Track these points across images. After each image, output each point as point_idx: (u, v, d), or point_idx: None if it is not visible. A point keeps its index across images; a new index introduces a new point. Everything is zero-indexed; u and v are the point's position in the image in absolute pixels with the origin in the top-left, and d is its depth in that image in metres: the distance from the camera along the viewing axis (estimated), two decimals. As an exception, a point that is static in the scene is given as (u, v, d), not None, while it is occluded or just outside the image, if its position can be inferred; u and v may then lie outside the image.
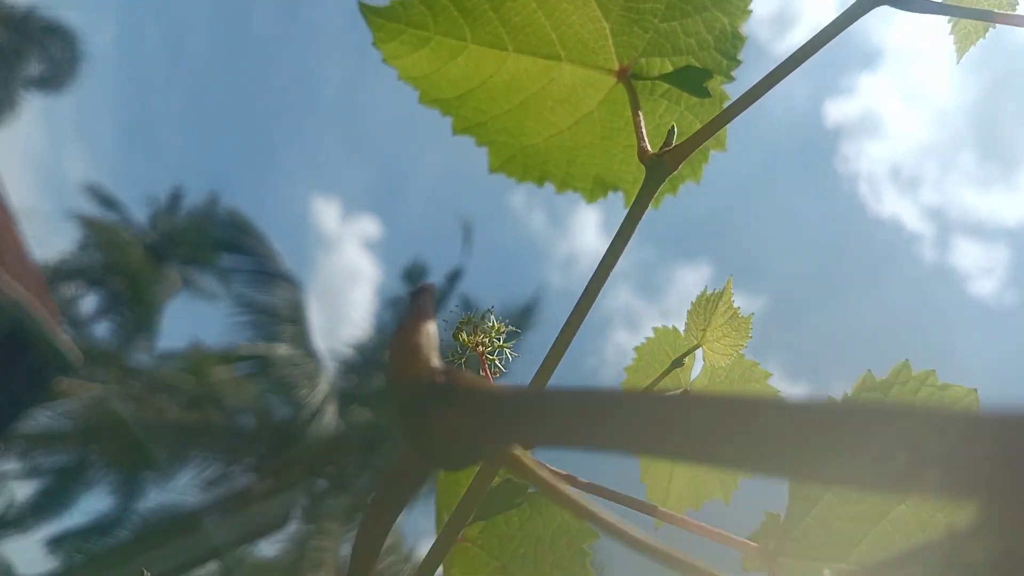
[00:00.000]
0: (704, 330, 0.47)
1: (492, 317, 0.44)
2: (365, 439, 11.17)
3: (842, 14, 0.41)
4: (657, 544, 0.26)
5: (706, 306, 0.47)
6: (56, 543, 10.21)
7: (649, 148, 0.44)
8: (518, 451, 0.25)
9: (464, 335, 0.44)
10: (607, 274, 0.40)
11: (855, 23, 0.41)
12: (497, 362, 0.44)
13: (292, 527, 10.07)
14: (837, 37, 0.44)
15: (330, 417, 11.13)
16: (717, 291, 0.47)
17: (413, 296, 0.25)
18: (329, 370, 11.99)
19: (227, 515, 10.29)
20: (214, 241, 13.83)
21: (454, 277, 13.32)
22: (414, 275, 13.40)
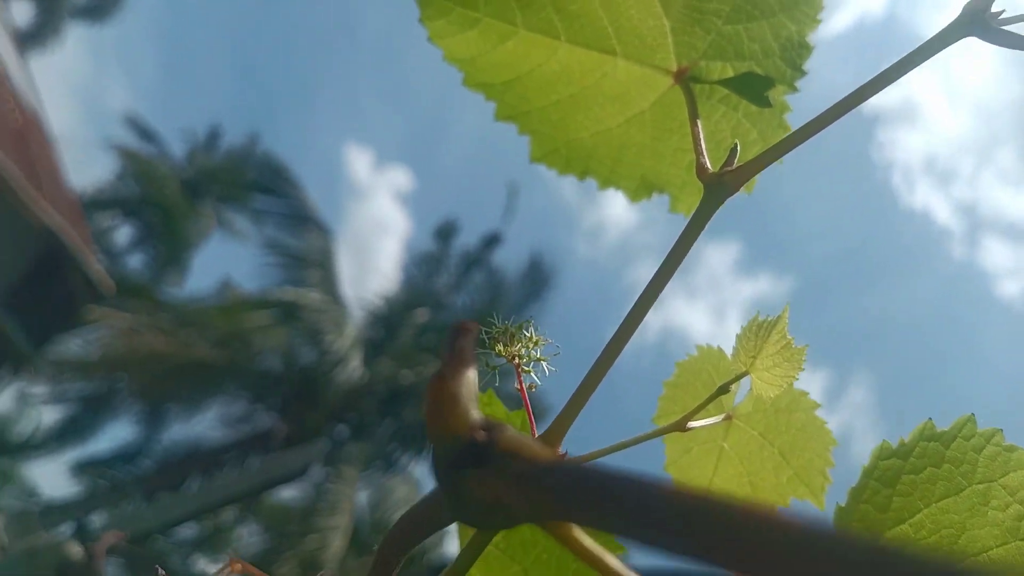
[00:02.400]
0: (754, 358, 0.45)
1: (532, 328, 0.43)
2: (389, 389, 11.27)
3: (928, 41, 0.38)
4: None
5: (758, 333, 0.45)
6: (80, 468, 10.46)
7: (709, 165, 0.42)
8: (569, 528, 0.23)
9: (500, 346, 0.42)
10: (654, 298, 0.38)
11: (941, 48, 0.38)
12: (534, 375, 0.43)
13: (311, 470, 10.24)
14: (921, 58, 0.41)
15: (355, 365, 11.24)
16: (771, 319, 0.45)
17: (452, 336, 0.24)
18: (356, 319, 12.10)
19: (249, 454, 10.48)
20: (249, 182, 13.91)
21: (491, 241, 13.37)
22: (446, 232, 13.43)
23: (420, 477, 11.01)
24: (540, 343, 0.43)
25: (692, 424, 0.46)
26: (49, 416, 10.59)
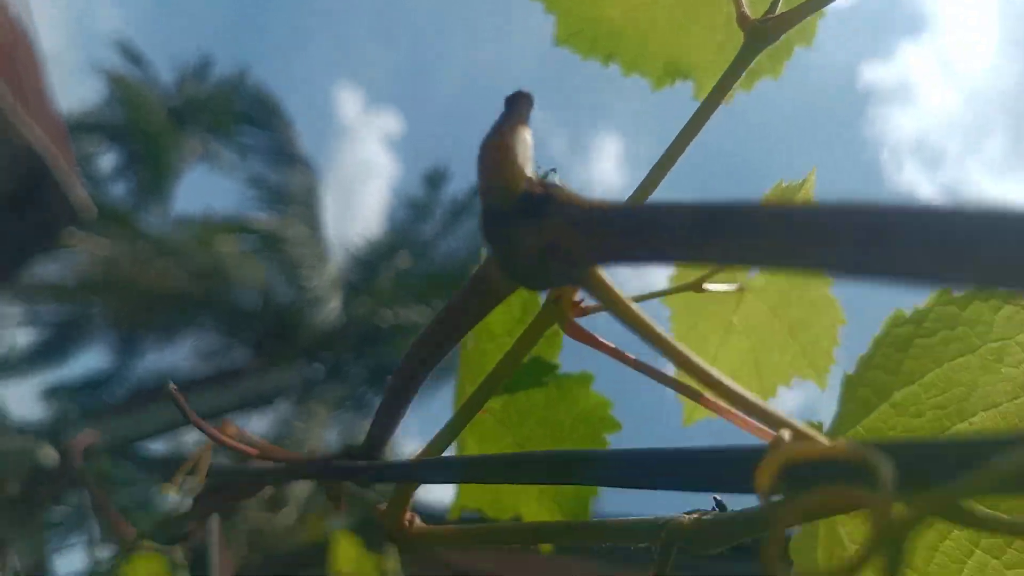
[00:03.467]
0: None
1: (554, 176, 0.41)
2: (365, 331, 11.30)
3: None
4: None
5: (780, 198, 0.44)
6: (51, 392, 10.43)
7: (749, 13, 0.41)
8: (602, 274, 0.22)
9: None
10: (685, 145, 0.37)
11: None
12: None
13: (281, 406, 10.30)
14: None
15: (334, 305, 11.24)
16: (795, 183, 0.44)
17: (509, 101, 0.23)
18: (337, 259, 12.07)
19: (221, 389, 10.49)
20: (237, 114, 13.76)
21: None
22: (435, 179, 13.32)
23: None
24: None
25: (708, 286, 0.45)
26: (22, 338, 10.52)
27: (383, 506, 0.41)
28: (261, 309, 11.34)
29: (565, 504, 0.52)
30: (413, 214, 12.99)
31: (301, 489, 8.97)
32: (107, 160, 13.57)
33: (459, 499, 0.56)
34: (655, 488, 0.26)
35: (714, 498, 0.31)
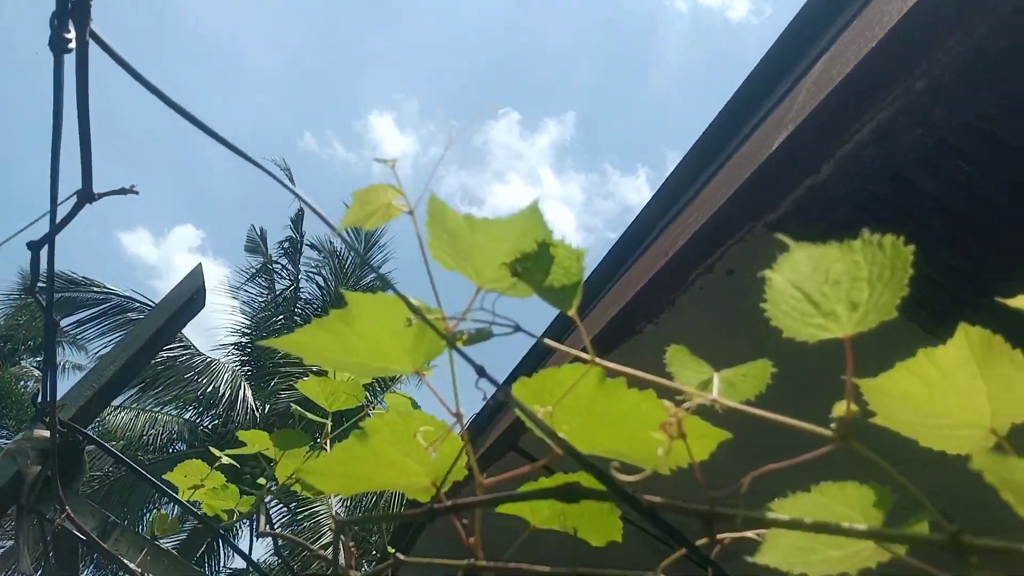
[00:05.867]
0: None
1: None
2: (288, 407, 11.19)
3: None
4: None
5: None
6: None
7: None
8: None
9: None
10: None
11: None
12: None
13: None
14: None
15: (248, 400, 11.49)
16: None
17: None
18: (227, 363, 12.20)
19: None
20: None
21: (298, 219, 13.40)
22: (257, 243, 13.49)
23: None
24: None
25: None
26: None
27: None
28: (191, 439, 11.03)
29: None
30: (262, 281, 12.73)
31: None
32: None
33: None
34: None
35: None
